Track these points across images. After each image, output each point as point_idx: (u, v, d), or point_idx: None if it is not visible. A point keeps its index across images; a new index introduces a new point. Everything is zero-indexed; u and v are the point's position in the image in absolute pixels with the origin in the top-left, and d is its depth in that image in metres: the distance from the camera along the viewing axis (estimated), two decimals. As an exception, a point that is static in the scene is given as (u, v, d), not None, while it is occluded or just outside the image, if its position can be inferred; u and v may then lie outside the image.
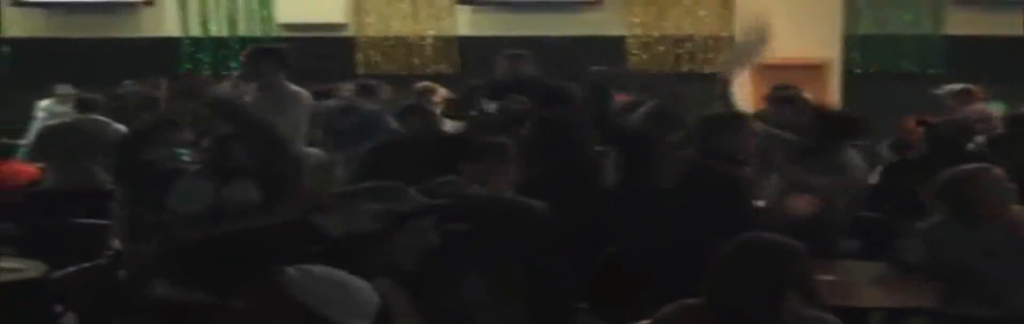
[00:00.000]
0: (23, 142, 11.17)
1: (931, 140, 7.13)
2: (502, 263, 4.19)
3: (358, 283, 2.69)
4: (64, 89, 11.30)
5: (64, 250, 6.29)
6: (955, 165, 4.86)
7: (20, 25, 13.97)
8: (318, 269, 2.68)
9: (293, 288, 2.59)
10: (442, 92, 9.73)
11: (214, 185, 5.66)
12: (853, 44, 13.39)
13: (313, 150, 7.52)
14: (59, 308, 5.81)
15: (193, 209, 5.57)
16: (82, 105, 8.87)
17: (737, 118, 6.01)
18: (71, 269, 5.53)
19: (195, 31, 13.84)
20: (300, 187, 5.62)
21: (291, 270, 2.64)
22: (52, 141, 8.68)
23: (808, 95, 9.19)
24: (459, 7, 13.73)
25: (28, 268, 5.88)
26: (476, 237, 3.74)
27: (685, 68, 13.62)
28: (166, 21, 13.96)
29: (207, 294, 3.51)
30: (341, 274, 2.69)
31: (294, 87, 7.32)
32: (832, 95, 13.18)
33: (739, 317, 3.36)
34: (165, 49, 13.55)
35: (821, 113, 6.92)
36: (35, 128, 10.16)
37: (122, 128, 8.84)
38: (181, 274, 4.00)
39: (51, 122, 8.97)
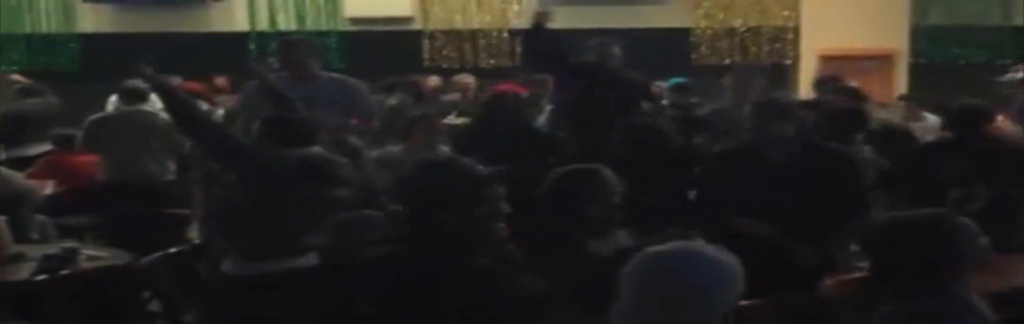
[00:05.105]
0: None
1: None
2: None
3: None
4: (134, 84, 11.21)
5: (141, 240, 6.34)
6: None
7: (92, 20, 14.17)
8: None
9: None
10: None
11: None
12: (921, 35, 13.32)
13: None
14: (147, 294, 5.91)
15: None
16: (129, 95, 8.40)
17: None
18: (157, 255, 5.61)
19: (263, 26, 13.98)
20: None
21: None
22: (99, 133, 8.29)
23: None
24: (526, 0, 13.78)
25: (113, 256, 5.97)
26: None
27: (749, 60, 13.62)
28: (236, 16, 14.12)
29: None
30: None
31: (337, 76, 7.24)
32: (899, 86, 13.14)
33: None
34: (234, 44, 13.69)
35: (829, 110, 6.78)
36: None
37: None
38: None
39: (97, 115, 8.47)
